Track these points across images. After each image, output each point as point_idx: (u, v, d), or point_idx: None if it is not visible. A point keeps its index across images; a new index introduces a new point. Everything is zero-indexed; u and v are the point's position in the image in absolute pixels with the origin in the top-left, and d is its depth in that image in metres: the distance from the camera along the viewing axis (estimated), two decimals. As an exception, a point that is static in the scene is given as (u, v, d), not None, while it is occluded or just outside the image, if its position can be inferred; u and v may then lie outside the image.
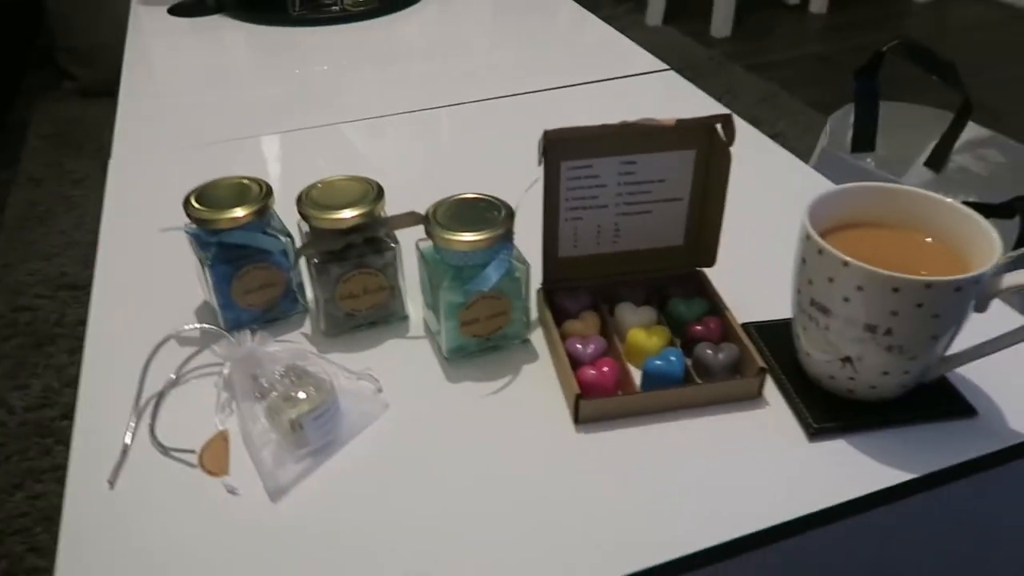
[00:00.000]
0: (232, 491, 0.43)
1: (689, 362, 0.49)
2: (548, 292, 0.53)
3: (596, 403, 0.46)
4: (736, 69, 2.17)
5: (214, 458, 0.45)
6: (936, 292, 0.40)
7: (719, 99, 0.85)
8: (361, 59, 1.01)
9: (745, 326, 0.51)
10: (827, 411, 0.46)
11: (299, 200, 0.51)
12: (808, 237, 0.43)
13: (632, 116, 0.48)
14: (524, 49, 1.03)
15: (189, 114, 0.87)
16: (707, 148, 0.50)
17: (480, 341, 0.51)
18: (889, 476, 0.43)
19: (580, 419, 0.46)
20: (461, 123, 0.83)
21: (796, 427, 0.46)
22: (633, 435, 0.46)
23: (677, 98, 0.88)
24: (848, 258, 0.40)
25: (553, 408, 0.48)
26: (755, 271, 0.57)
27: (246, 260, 0.51)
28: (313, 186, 0.52)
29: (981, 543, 0.52)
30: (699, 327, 0.50)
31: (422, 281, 0.52)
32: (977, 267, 0.40)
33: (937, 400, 0.47)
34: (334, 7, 1.12)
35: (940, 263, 0.44)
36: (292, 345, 0.50)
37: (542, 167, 0.49)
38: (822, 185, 0.49)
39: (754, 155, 0.74)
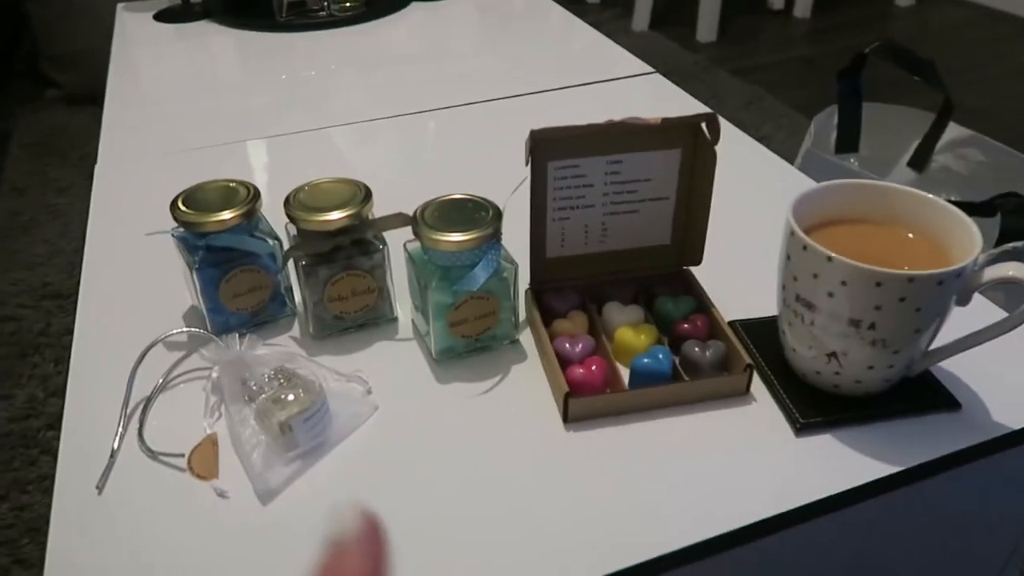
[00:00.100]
0: (221, 494, 0.43)
1: (677, 360, 0.50)
2: (536, 292, 0.53)
3: (585, 401, 0.46)
4: (721, 73, 2.19)
5: (203, 462, 0.45)
6: (918, 286, 0.40)
7: (705, 103, 0.85)
8: (348, 64, 1.01)
9: (732, 324, 0.52)
10: (813, 406, 0.46)
11: (287, 202, 0.51)
12: (793, 234, 0.43)
13: (618, 117, 0.48)
14: (511, 53, 1.03)
15: (175, 120, 0.86)
16: (692, 147, 0.50)
17: (469, 342, 0.51)
18: (876, 469, 0.43)
19: (569, 418, 0.46)
20: (448, 126, 0.84)
21: (783, 423, 0.46)
22: (622, 433, 0.46)
23: (663, 100, 0.88)
24: (832, 253, 0.41)
25: (542, 407, 0.48)
26: (741, 269, 0.57)
27: (234, 263, 0.51)
28: (301, 188, 0.52)
29: (962, 535, 0.52)
30: (686, 325, 0.51)
31: (410, 282, 0.52)
32: (958, 261, 0.41)
33: (921, 394, 0.47)
34: (321, 12, 1.12)
35: (922, 258, 0.45)
36: (281, 348, 0.50)
37: (529, 168, 0.49)
38: (806, 185, 0.50)
39: (739, 155, 0.74)
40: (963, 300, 0.43)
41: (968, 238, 0.43)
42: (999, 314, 0.53)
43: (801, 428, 0.46)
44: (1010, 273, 0.41)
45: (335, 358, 0.52)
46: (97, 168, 0.76)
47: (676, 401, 0.47)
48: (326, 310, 0.52)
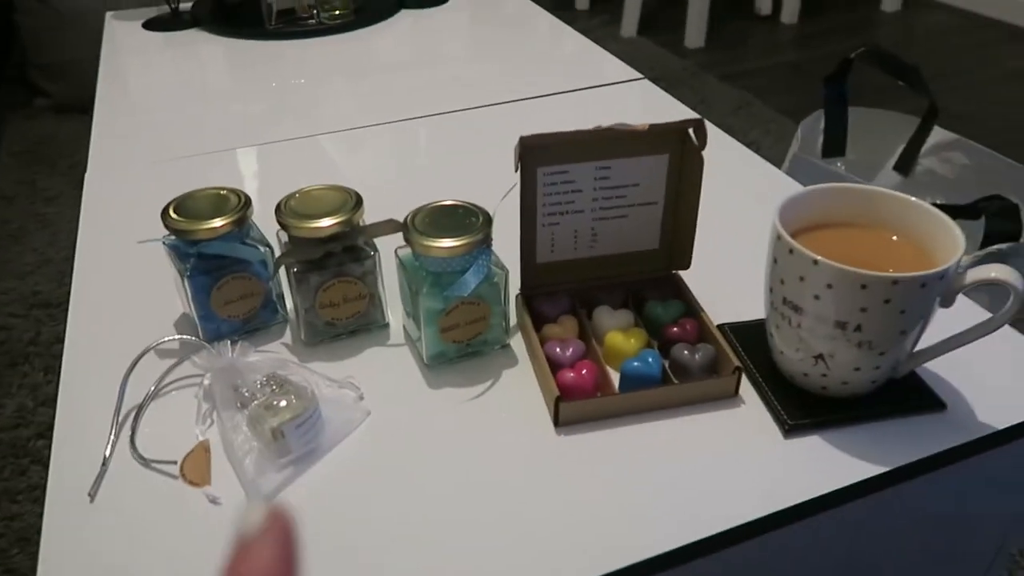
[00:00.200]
0: (214, 501, 0.43)
1: (666, 363, 0.50)
2: (527, 297, 0.54)
3: (575, 405, 0.46)
4: (709, 79, 2.21)
5: (195, 468, 0.45)
6: (903, 288, 0.41)
7: (693, 108, 0.86)
8: (338, 71, 1.01)
9: (720, 327, 0.52)
10: (801, 408, 0.47)
11: (278, 210, 0.51)
12: (779, 237, 0.44)
13: (607, 122, 0.48)
14: (500, 60, 1.04)
15: (165, 128, 0.86)
16: (680, 152, 0.51)
17: (460, 347, 0.51)
18: (863, 470, 0.44)
19: (560, 421, 0.47)
20: (438, 133, 0.84)
21: (772, 425, 0.47)
22: (613, 436, 0.46)
23: (652, 106, 0.89)
24: (818, 256, 0.42)
25: (533, 411, 0.48)
26: (729, 273, 0.58)
27: (225, 271, 0.52)
28: (292, 196, 0.52)
29: (949, 534, 0.53)
30: (675, 329, 0.51)
31: (402, 288, 0.53)
32: (942, 263, 0.42)
33: (907, 395, 0.48)
34: (310, 20, 1.13)
35: (907, 260, 0.45)
36: (273, 355, 0.50)
37: (519, 174, 0.49)
38: (793, 189, 0.51)
39: (727, 160, 0.75)
40: (947, 302, 0.43)
41: (951, 241, 0.44)
42: (983, 315, 0.54)
43: (789, 430, 0.46)
44: (992, 275, 0.42)
45: (327, 364, 0.52)
46: (87, 176, 0.76)
47: (666, 404, 0.48)
48: (318, 316, 0.52)
